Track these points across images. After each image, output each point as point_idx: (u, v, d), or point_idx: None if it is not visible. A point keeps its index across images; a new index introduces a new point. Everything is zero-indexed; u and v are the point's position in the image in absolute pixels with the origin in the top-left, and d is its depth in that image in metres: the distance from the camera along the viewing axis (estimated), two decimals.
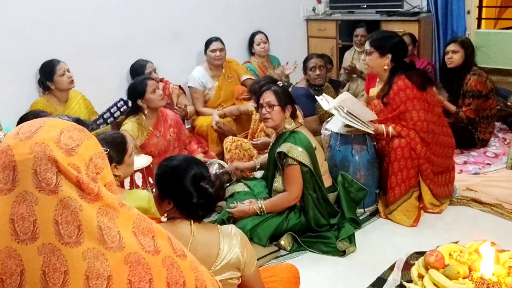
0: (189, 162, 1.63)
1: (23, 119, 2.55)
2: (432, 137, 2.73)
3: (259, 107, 2.64)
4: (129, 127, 3.03)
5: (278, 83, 2.72)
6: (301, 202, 2.56)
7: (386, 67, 2.76)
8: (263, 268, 1.89)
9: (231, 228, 1.63)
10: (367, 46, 2.81)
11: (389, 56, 2.73)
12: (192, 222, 1.56)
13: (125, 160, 2.05)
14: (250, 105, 3.50)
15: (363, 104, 2.90)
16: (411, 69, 2.78)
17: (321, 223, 2.56)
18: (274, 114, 2.55)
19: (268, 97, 2.56)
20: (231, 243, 1.56)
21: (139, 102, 3.08)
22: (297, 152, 2.45)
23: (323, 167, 2.65)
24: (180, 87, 3.92)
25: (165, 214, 1.61)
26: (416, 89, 2.68)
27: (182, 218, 1.58)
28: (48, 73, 3.17)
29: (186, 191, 1.55)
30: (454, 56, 3.58)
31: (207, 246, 1.54)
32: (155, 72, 3.68)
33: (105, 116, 3.17)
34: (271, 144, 2.78)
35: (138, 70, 3.65)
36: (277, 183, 2.61)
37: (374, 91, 2.92)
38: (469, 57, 3.58)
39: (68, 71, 3.20)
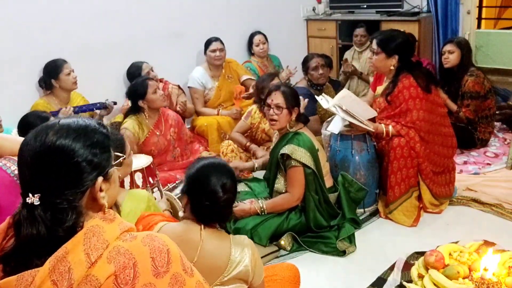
0: (216, 167, 1.62)
1: (24, 119, 2.55)
2: (432, 137, 2.73)
3: (265, 105, 2.60)
4: (129, 125, 3.05)
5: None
6: (302, 203, 2.56)
7: (392, 67, 2.75)
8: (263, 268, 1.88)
9: (243, 238, 1.61)
10: (374, 45, 2.76)
11: (396, 57, 2.72)
12: (202, 227, 1.54)
13: (124, 161, 2.05)
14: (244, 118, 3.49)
15: (363, 101, 2.90)
16: (417, 69, 2.77)
17: (321, 224, 2.56)
18: (281, 117, 2.51)
19: (277, 98, 2.51)
20: (242, 253, 1.54)
21: (140, 103, 3.08)
22: (300, 153, 2.44)
23: (325, 168, 2.65)
24: (179, 87, 3.92)
25: (182, 209, 1.64)
26: (421, 88, 2.67)
27: (194, 220, 1.57)
28: (54, 71, 3.19)
29: (198, 190, 1.56)
30: (450, 56, 3.60)
31: (215, 256, 1.52)
32: (152, 70, 3.68)
33: (83, 108, 3.29)
34: (273, 144, 2.78)
35: (135, 73, 3.66)
36: (279, 184, 2.61)
37: (380, 89, 2.90)
38: (465, 57, 3.59)
39: (73, 72, 3.22)
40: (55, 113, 3.07)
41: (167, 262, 0.95)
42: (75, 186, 0.93)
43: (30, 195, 0.90)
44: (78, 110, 3.23)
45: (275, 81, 3.16)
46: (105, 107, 3.41)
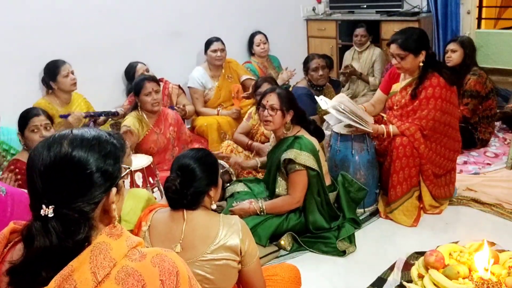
0: (184, 154, 1.72)
1: (23, 115, 2.55)
2: (438, 137, 2.72)
3: (260, 107, 2.61)
4: (130, 121, 3.07)
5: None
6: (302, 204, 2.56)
7: (421, 63, 2.72)
8: (264, 268, 1.88)
9: (233, 218, 1.67)
10: (397, 51, 2.69)
11: (423, 52, 2.69)
12: (184, 210, 1.63)
13: (124, 160, 2.05)
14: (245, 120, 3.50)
15: (360, 108, 2.89)
16: (440, 64, 2.80)
17: (322, 226, 2.56)
18: (275, 118, 2.52)
19: (272, 99, 2.52)
20: (230, 229, 1.60)
21: (136, 99, 3.13)
22: (304, 157, 2.44)
23: (324, 167, 2.65)
24: (179, 86, 3.92)
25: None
26: (446, 90, 2.66)
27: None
28: (52, 73, 3.18)
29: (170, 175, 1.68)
30: (453, 55, 3.61)
31: (206, 227, 1.60)
32: (147, 71, 3.68)
33: (95, 113, 3.29)
34: (270, 147, 2.78)
35: (130, 73, 3.68)
36: (280, 188, 2.59)
37: (397, 86, 2.87)
38: (468, 56, 3.59)
39: (72, 73, 3.22)
40: (65, 116, 3.07)
41: (175, 285, 0.94)
42: (89, 198, 0.91)
43: (44, 207, 0.88)
44: (87, 115, 3.22)
45: (270, 85, 3.17)
46: (117, 114, 3.42)
